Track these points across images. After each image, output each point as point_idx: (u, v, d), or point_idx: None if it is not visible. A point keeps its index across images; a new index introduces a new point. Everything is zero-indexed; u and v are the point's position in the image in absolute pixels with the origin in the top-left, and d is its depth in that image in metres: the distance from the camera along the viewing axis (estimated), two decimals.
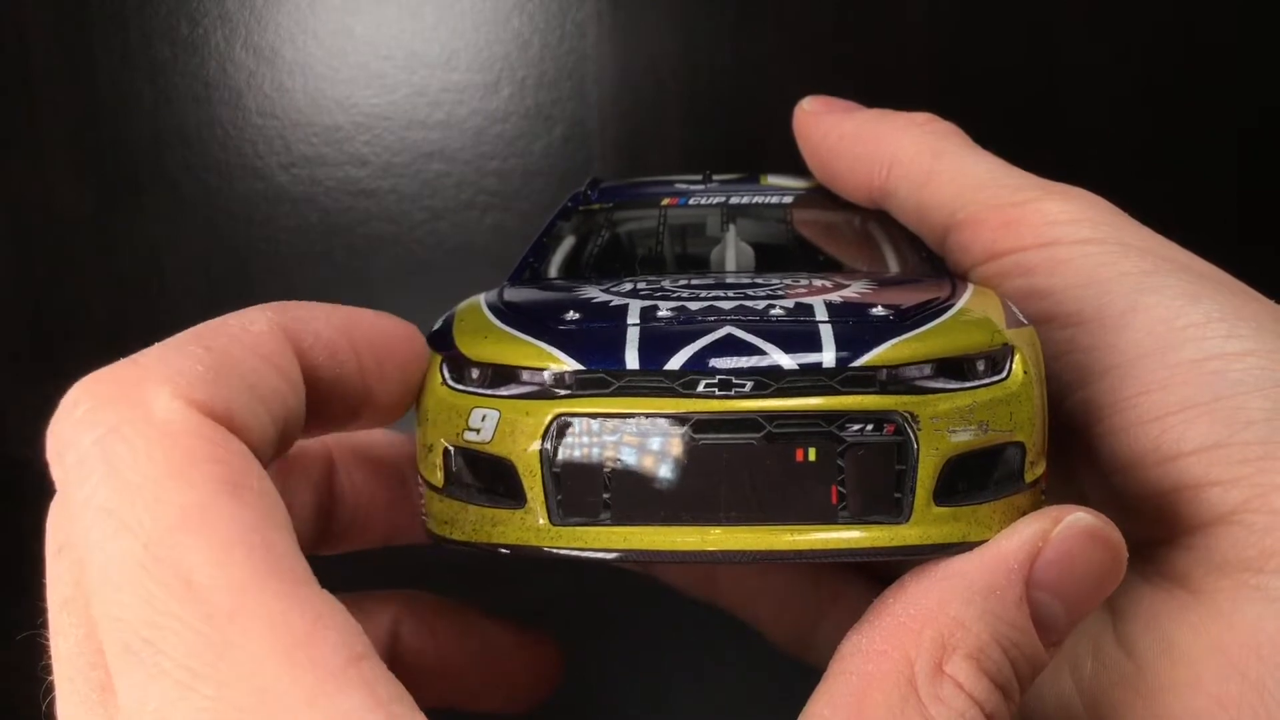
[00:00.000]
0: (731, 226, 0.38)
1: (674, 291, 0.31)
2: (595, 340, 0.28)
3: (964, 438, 0.27)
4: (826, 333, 0.27)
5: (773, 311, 0.28)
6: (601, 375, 0.27)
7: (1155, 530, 0.30)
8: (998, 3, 0.83)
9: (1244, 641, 0.27)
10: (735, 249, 0.37)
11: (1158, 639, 0.29)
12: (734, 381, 0.26)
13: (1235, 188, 0.86)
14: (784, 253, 0.39)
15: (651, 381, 0.27)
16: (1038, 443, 0.29)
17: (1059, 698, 0.31)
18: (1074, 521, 0.27)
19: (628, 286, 0.32)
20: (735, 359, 0.26)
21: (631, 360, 0.27)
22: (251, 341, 0.25)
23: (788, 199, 0.39)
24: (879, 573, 0.40)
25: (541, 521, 0.28)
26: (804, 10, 0.81)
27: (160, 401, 0.22)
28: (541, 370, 0.28)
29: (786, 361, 0.26)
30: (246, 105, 0.82)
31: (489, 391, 0.28)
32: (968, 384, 0.28)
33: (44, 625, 0.23)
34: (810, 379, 0.26)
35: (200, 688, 0.20)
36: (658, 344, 0.27)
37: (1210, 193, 0.82)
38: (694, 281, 0.32)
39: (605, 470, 0.27)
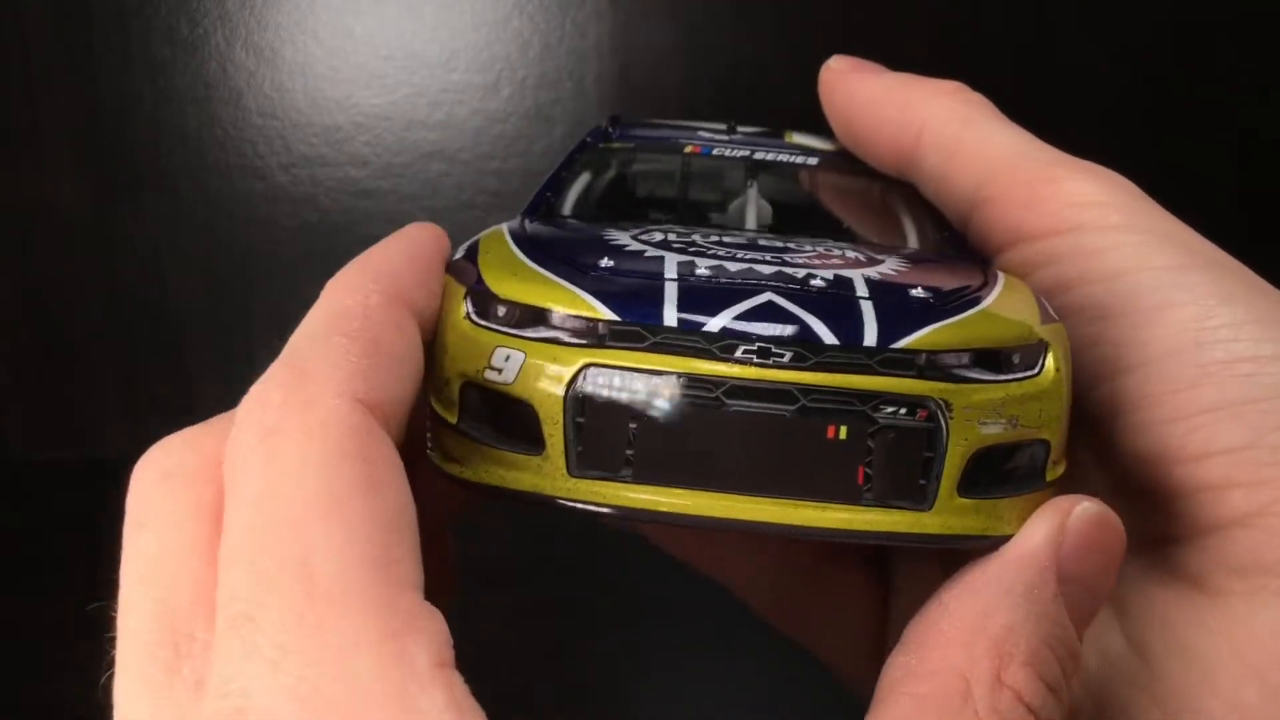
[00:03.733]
0: (754, 183, 0.37)
1: (708, 249, 0.30)
2: (633, 291, 0.27)
3: (993, 431, 0.27)
4: (868, 310, 0.26)
5: (813, 281, 0.27)
6: (638, 329, 0.26)
7: (1171, 528, 0.29)
8: (1000, 3, 0.83)
9: (1263, 647, 0.27)
10: (756, 206, 0.37)
11: (1171, 640, 0.29)
12: (773, 351, 0.26)
13: (1235, 187, 0.86)
14: (804, 215, 0.38)
15: (689, 341, 0.26)
16: (1061, 442, 0.28)
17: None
18: (1084, 511, 0.27)
19: (658, 236, 0.31)
20: (777, 326, 0.26)
21: (670, 317, 0.26)
22: (381, 320, 0.26)
23: (813, 160, 0.38)
24: (878, 556, 0.40)
25: (559, 471, 0.27)
26: (804, 10, 0.81)
27: (325, 400, 0.23)
28: (575, 316, 0.27)
29: (828, 335, 0.26)
30: (246, 105, 0.82)
31: (515, 331, 0.27)
32: (1003, 376, 0.27)
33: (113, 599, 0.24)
34: (849, 356, 0.26)
35: (288, 666, 0.20)
36: (698, 303, 0.26)
37: (1211, 190, 0.82)
38: (726, 239, 0.31)
39: (631, 427, 0.26)
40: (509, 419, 0.27)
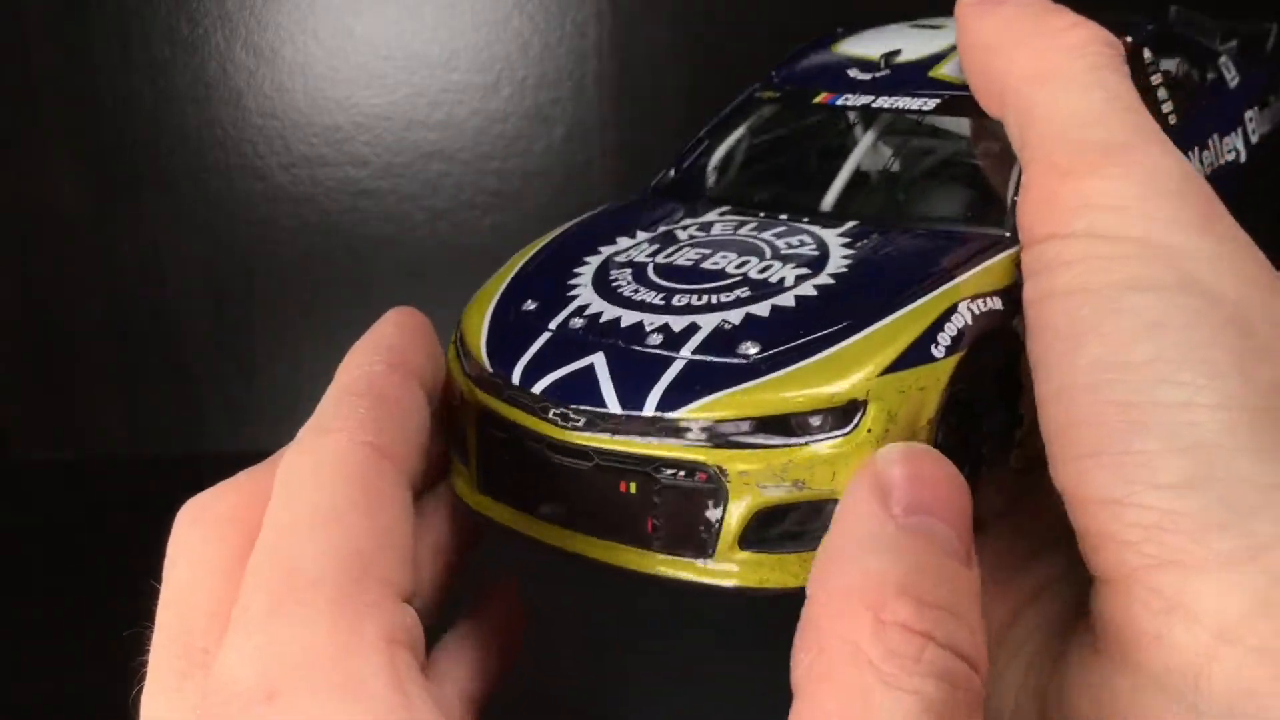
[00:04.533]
0: (862, 142, 0.37)
1: (640, 282, 0.32)
2: (505, 344, 0.32)
3: (775, 494, 0.28)
4: (669, 375, 0.29)
5: (649, 340, 0.30)
6: (498, 381, 0.31)
7: (1090, 569, 0.28)
8: None
9: (1115, 714, 0.26)
10: (843, 181, 0.36)
11: (1054, 688, 0.29)
12: (571, 415, 0.29)
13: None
14: (902, 184, 0.37)
15: (524, 398, 0.30)
16: None
17: (1029, 695, 0.31)
18: (888, 451, 0.26)
19: (630, 255, 0.34)
20: (579, 394, 0.29)
21: (516, 374, 0.31)
22: (385, 382, 0.30)
23: (930, 103, 0.36)
24: None
25: (474, 485, 0.33)
26: (804, 10, 0.81)
27: (338, 442, 0.28)
28: (476, 363, 0.32)
29: (614, 405, 0.29)
30: (246, 105, 0.82)
31: (460, 365, 0.33)
32: (790, 440, 0.28)
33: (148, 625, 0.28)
34: (633, 423, 0.29)
35: (257, 639, 0.24)
36: (542, 362, 0.30)
37: None
38: (680, 262, 0.33)
39: (498, 456, 0.32)
40: (459, 439, 0.33)
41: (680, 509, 0.29)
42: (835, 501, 0.28)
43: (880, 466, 0.26)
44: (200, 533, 0.28)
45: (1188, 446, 0.25)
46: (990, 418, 0.32)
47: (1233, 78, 0.43)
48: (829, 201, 0.36)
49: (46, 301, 0.86)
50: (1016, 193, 0.33)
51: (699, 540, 0.29)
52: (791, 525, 0.29)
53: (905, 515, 0.25)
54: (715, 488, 0.28)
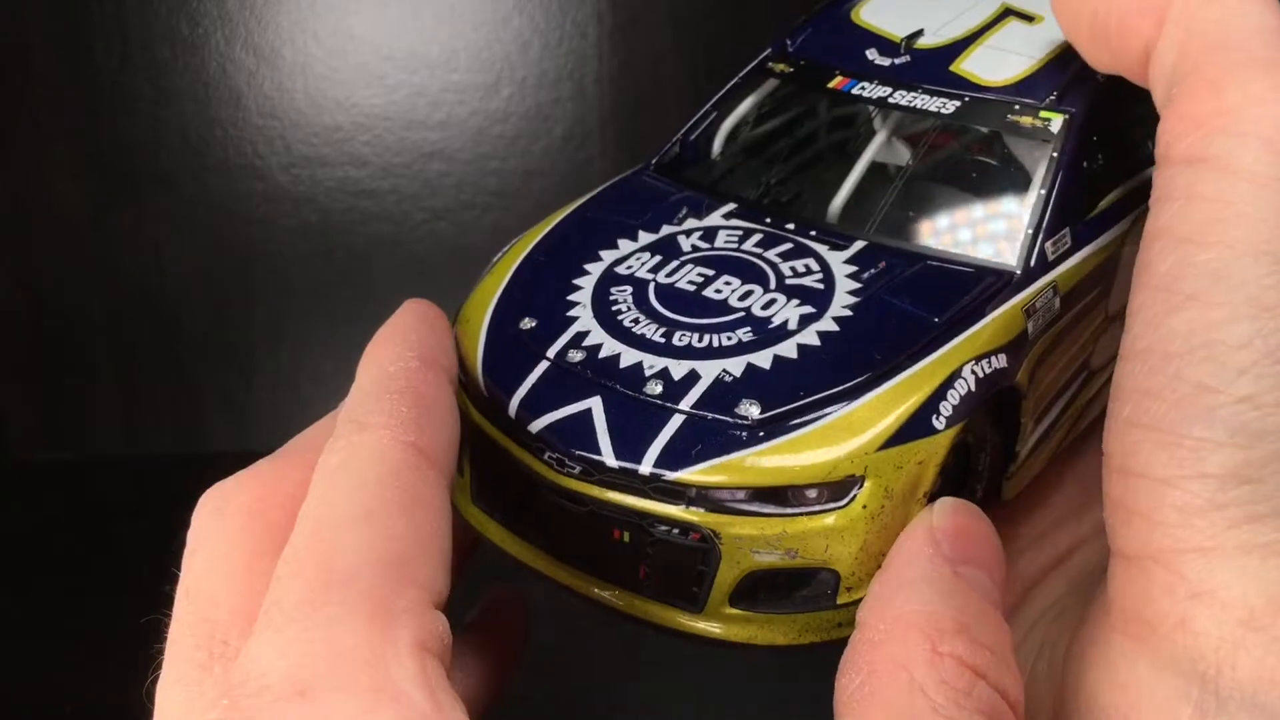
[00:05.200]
0: (874, 143, 0.36)
1: (640, 309, 0.32)
2: (504, 366, 0.31)
3: (768, 559, 0.28)
4: (667, 432, 0.29)
5: (647, 388, 0.30)
6: (495, 405, 0.31)
7: (1112, 542, 0.28)
8: None
9: (1118, 702, 0.26)
10: (851, 186, 0.35)
11: (1070, 665, 0.29)
12: (566, 462, 0.29)
13: None
14: (913, 199, 0.35)
15: (521, 435, 0.30)
16: (861, 571, 0.28)
17: (1041, 673, 0.31)
18: (941, 505, 0.28)
19: (631, 268, 0.33)
20: (576, 439, 0.29)
21: (513, 408, 0.30)
22: (422, 380, 0.29)
23: (950, 107, 0.34)
24: None
25: (465, 493, 0.33)
26: (804, 11, 0.81)
27: (381, 442, 0.27)
28: (470, 372, 0.32)
29: (610, 459, 0.29)
30: (246, 105, 0.82)
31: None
32: (785, 510, 0.28)
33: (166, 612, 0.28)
34: (627, 479, 0.29)
35: (288, 633, 0.24)
36: (538, 398, 0.30)
37: None
38: (685, 287, 0.32)
39: (494, 475, 0.32)
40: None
41: (672, 563, 0.29)
42: (829, 571, 0.28)
43: (935, 518, 0.27)
44: (222, 524, 0.28)
45: (1247, 443, 0.25)
46: (984, 457, 0.32)
47: None
48: (835, 209, 0.35)
49: (46, 302, 0.86)
50: (1030, 224, 0.32)
51: (689, 594, 0.29)
52: (781, 591, 0.29)
53: (958, 562, 0.26)
54: (708, 548, 0.28)
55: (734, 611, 0.29)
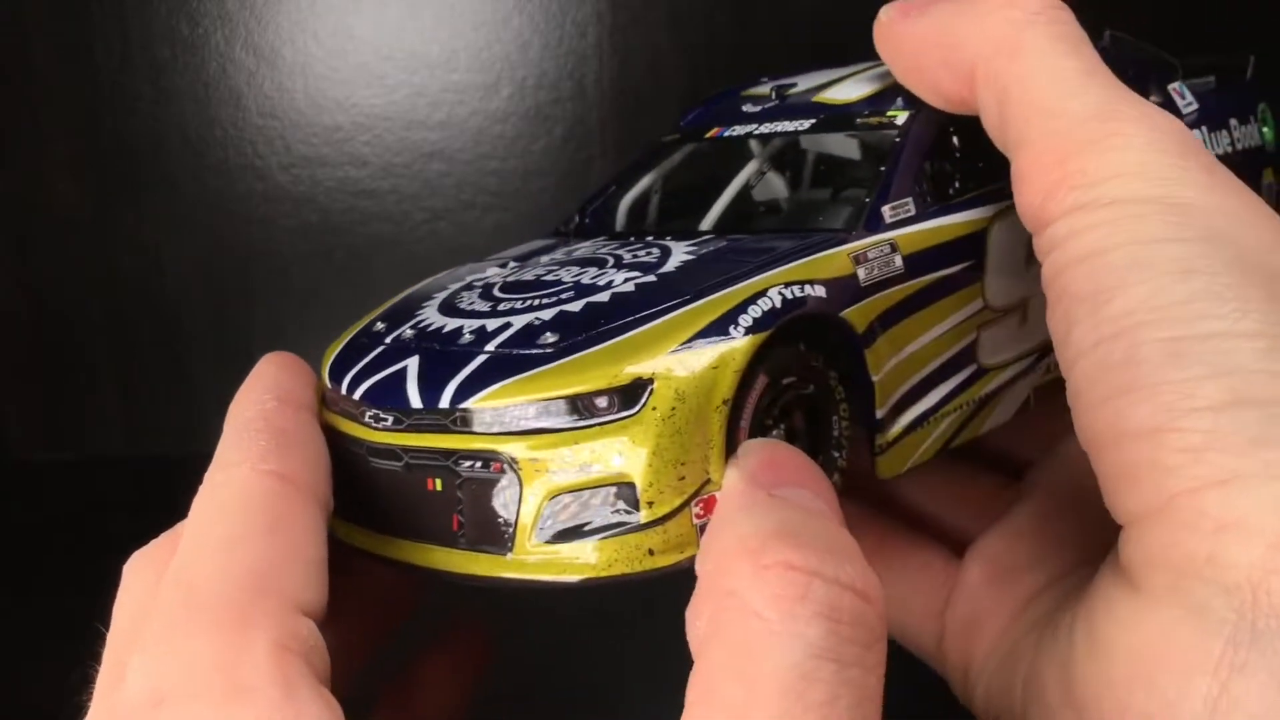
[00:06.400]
0: (746, 167, 0.39)
1: (483, 296, 0.34)
2: (345, 360, 0.33)
3: (564, 479, 0.28)
4: (470, 369, 0.29)
5: (460, 340, 0.31)
6: (334, 394, 0.32)
7: (1115, 515, 0.28)
8: None
9: (1155, 649, 0.26)
10: (723, 204, 0.38)
11: (1092, 632, 0.28)
12: (381, 415, 0.30)
13: None
14: (769, 199, 0.39)
15: (349, 406, 0.32)
16: (661, 481, 0.28)
17: (1039, 674, 0.31)
18: (746, 446, 0.29)
19: (489, 273, 0.36)
20: (389, 395, 0.30)
21: (344, 385, 0.32)
22: (279, 415, 0.31)
23: (806, 124, 0.38)
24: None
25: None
26: (803, 10, 0.81)
27: (243, 474, 0.29)
28: (323, 380, 0.33)
29: (415, 400, 0.30)
30: (246, 105, 0.82)
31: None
32: (576, 422, 0.28)
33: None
34: (433, 417, 0.29)
35: (149, 651, 0.25)
36: (365, 370, 0.32)
37: None
38: (524, 276, 0.34)
39: (342, 474, 0.32)
40: None
41: (481, 502, 0.29)
42: (626, 484, 0.28)
43: (739, 456, 0.28)
44: (138, 578, 0.30)
45: (1227, 372, 0.25)
46: (840, 421, 0.32)
47: (1188, 103, 0.43)
48: (708, 223, 0.37)
49: (46, 302, 0.86)
50: (868, 195, 0.34)
51: (499, 534, 0.29)
52: (584, 515, 0.29)
53: (773, 486, 0.26)
54: (509, 478, 0.29)
55: (541, 547, 0.29)
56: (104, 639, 0.29)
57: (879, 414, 0.32)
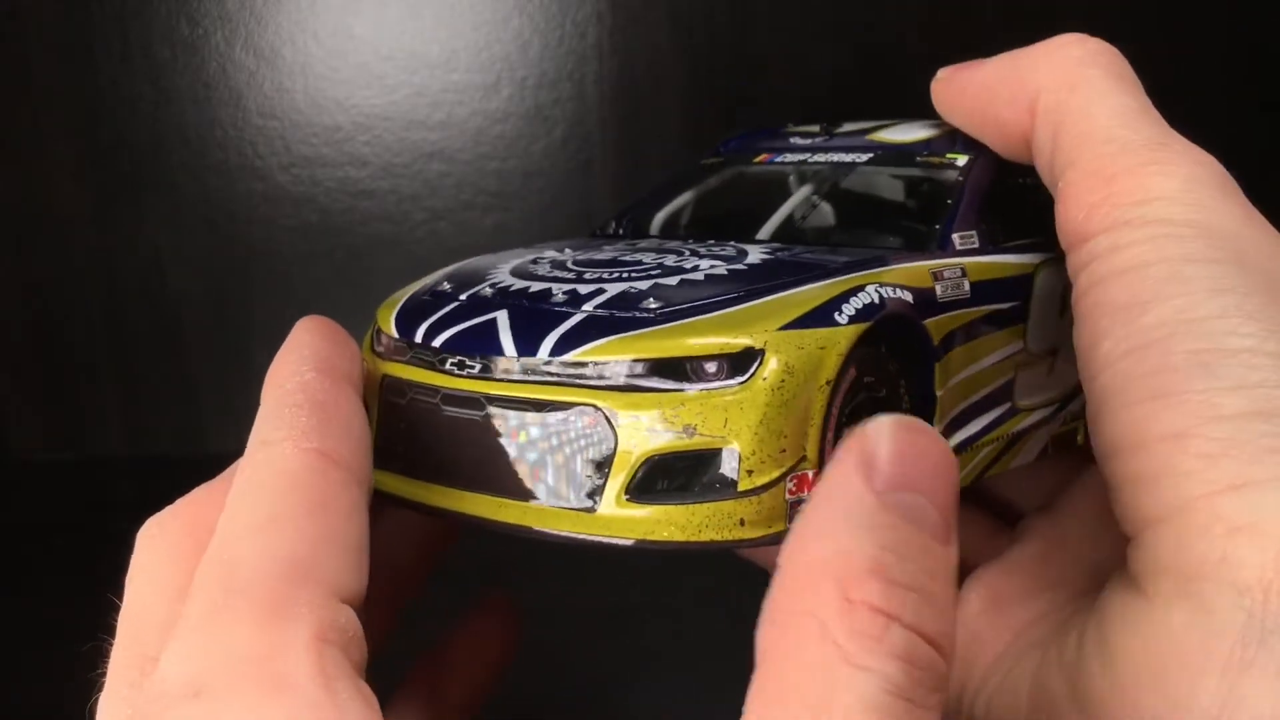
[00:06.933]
0: (798, 192, 0.39)
1: (561, 269, 0.33)
2: (413, 312, 0.32)
3: (664, 439, 0.28)
4: (570, 324, 0.29)
5: (554, 297, 0.30)
6: (404, 344, 0.32)
7: (1123, 523, 0.29)
8: (990, 2, 0.83)
9: (1168, 654, 0.26)
10: (777, 221, 0.38)
11: (1103, 640, 0.29)
12: (467, 363, 0.30)
13: None
14: (832, 222, 0.39)
15: (425, 355, 0.31)
16: (763, 451, 0.28)
17: (1045, 685, 0.31)
18: (878, 424, 0.25)
19: (552, 255, 0.35)
20: (478, 344, 0.30)
21: (419, 334, 0.31)
22: (318, 388, 0.30)
23: (864, 157, 0.39)
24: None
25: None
26: (803, 9, 0.81)
27: (286, 453, 0.28)
28: (384, 333, 0.33)
29: (510, 349, 0.29)
30: (246, 105, 0.82)
31: (372, 349, 0.34)
32: (683, 385, 0.28)
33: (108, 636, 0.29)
34: (525, 367, 0.29)
35: (188, 639, 0.25)
36: (440, 323, 0.31)
37: None
38: (602, 258, 0.34)
39: (400, 426, 0.32)
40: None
41: (570, 456, 0.28)
42: (729, 450, 0.28)
43: (870, 436, 0.25)
44: (155, 547, 0.29)
45: (1251, 385, 0.26)
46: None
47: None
48: (763, 235, 0.37)
49: (46, 302, 0.86)
50: (939, 221, 0.35)
51: (587, 490, 0.28)
52: (680, 478, 0.28)
53: (887, 490, 0.25)
54: (604, 433, 0.28)
55: (630, 505, 0.28)
56: (117, 612, 0.28)
57: (936, 428, 0.33)
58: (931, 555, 0.25)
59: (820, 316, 0.29)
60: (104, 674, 0.27)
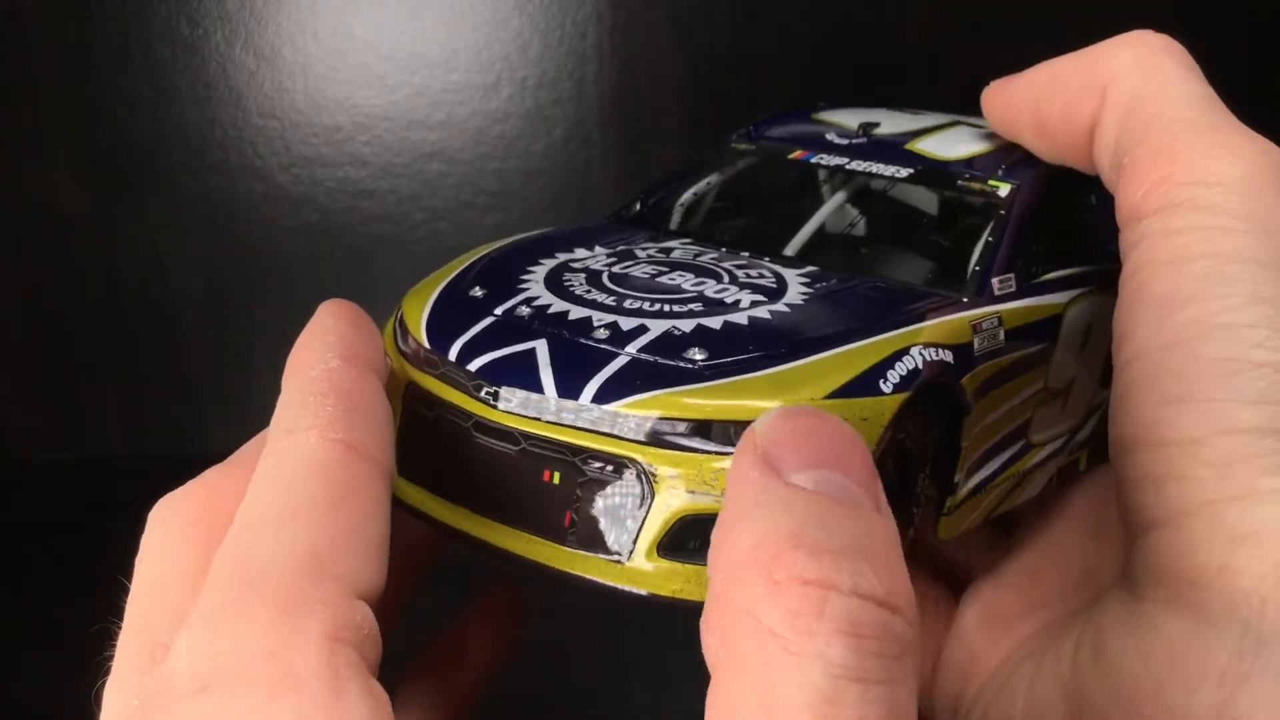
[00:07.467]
0: (832, 200, 0.38)
1: (596, 286, 0.32)
2: (446, 324, 0.31)
3: (702, 501, 0.27)
4: (613, 367, 0.28)
5: (596, 333, 0.30)
6: (435, 358, 0.31)
7: (1128, 526, 0.29)
8: (990, 2, 0.83)
9: (1165, 660, 0.26)
10: (809, 232, 0.37)
11: (1100, 646, 0.29)
12: (503, 395, 0.29)
13: None
14: (867, 243, 0.38)
15: (459, 375, 0.30)
16: None
17: (1041, 697, 0.31)
18: (765, 414, 0.25)
19: (600, 260, 0.34)
20: (516, 375, 0.29)
21: (454, 352, 0.30)
22: (344, 378, 0.30)
23: (904, 172, 0.37)
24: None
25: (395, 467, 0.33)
26: (803, 9, 0.81)
27: (311, 443, 0.28)
28: (413, 338, 0.32)
29: (550, 389, 0.28)
30: (246, 105, 0.82)
31: (395, 343, 0.33)
32: (725, 448, 0.27)
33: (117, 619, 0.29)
34: (565, 411, 0.28)
35: (199, 631, 0.24)
36: (481, 342, 0.30)
37: None
38: (638, 274, 0.33)
39: (421, 436, 0.31)
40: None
41: (603, 505, 0.28)
42: None
43: (758, 431, 0.24)
44: (167, 531, 0.28)
45: (1272, 401, 0.26)
46: (924, 479, 0.32)
47: None
48: (792, 249, 0.36)
49: (46, 302, 0.86)
50: (979, 263, 0.34)
51: (618, 540, 0.28)
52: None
53: (792, 472, 0.24)
54: (642, 487, 0.28)
55: (661, 562, 0.27)
56: (126, 594, 0.28)
57: (957, 477, 0.32)
58: (861, 518, 0.23)
59: (865, 385, 0.28)
60: (111, 658, 0.27)
